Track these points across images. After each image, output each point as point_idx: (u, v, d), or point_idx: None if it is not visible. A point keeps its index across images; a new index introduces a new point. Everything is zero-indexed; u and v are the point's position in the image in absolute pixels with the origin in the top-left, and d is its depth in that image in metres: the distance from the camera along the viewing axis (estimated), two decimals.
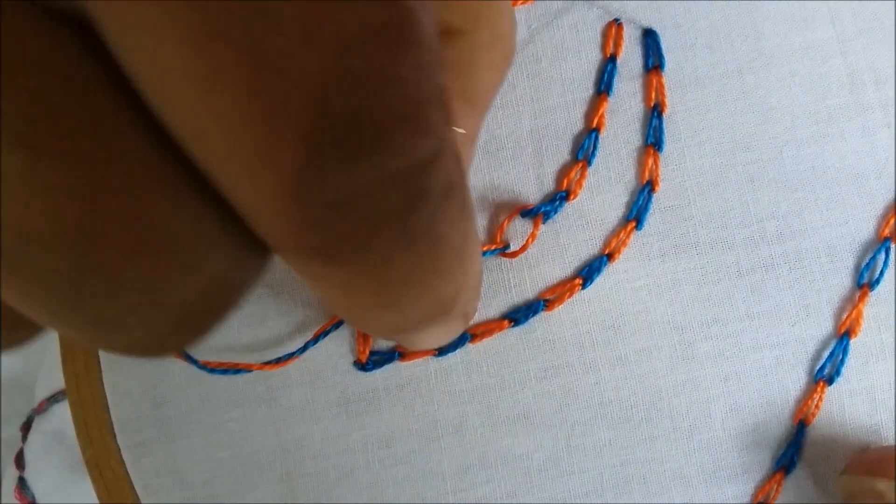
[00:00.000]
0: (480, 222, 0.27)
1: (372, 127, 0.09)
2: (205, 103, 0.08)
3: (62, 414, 0.39)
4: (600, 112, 0.27)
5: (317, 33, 0.08)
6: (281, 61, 0.08)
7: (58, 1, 0.08)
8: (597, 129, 0.27)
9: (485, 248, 0.27)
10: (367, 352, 0.27)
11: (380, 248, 0.10)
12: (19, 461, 0.40)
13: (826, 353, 0.26)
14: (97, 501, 0.28)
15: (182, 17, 0.08)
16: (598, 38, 0.28)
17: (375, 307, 0.11)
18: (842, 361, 0.26)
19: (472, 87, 0.15)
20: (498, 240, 0.27)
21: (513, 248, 0.27)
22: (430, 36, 0.09)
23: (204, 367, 0.26)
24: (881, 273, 0.26)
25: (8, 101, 0.08)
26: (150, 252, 0.09)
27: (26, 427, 0.40)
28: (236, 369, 0.26)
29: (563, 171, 0.27)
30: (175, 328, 0.10)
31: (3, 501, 0.40)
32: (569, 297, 0.27)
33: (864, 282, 0.26)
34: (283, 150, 0.08)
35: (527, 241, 0.27)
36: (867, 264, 0.26)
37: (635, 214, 0.27)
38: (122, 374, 0.27)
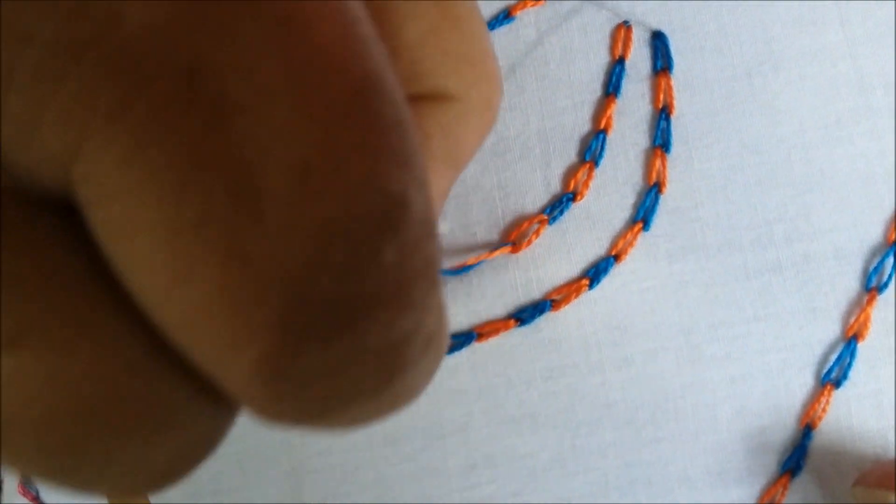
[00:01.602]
0: (489, 222, 0.27)
1: (348, 311, 0.08)
2: (175, 295, 0.08)
3: None
4: (608, 114, 0.27)
5: (295, 229, 0.08)
6: (254, 256, 0.08)
7: (45, 188, 0.08)
8: (604, 131, 0.27)
9: (490, 255, 0.27)
10: None
11: (352, 413, 0.10)
12: None
13: (833, 357, 0.26)
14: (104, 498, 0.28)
15: (155, 209, 0.08)
16: (607, 41, 0.28)
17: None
18: (849, 365, 0.26)
19: (457, 150, 0.15)
20: (512, 239, 0.27)
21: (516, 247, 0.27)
22: (422, 213, 0.09)
23: None
24: (889, 277, 0.26)
25: (9, 306, 0.08)
26: (139, 430, 0.09)
27: None
28: None
29: (571, 172, 0.27)
30: (155, 479, 0.10)
31: (7, 499, 0.40)
32: (575, 297, 0.27)
33: (873, 285, 0.26)
34: (252, 340, 0.08)
35: (531, 237, 0.27)
36: (875, 268, 0.26)
37: (642, 216, 0.27)
38: None
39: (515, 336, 0.27)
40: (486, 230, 0.27)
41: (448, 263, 0.27)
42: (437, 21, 0.13)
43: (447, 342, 0.11)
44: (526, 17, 0.28)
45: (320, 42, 0.08)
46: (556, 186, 0.27)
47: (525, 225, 0.27)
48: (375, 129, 0.09)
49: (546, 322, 0.27)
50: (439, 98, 0.14)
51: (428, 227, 0.09)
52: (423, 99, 0.14)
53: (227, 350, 0.08)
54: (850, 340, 0.26)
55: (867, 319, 0.26)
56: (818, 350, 0.26)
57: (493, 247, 0.27)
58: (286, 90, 0.08)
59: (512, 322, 0.27)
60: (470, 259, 0.26)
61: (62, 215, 0.08)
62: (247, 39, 0.08)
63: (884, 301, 0.26)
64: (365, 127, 0.08)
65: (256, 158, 0.08)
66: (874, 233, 0.27)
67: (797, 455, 0.26)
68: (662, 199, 0.27)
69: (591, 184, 0.27)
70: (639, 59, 0.28)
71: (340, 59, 0.08)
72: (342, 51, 0.08)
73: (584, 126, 0.28)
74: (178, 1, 0.08)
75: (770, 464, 0.26)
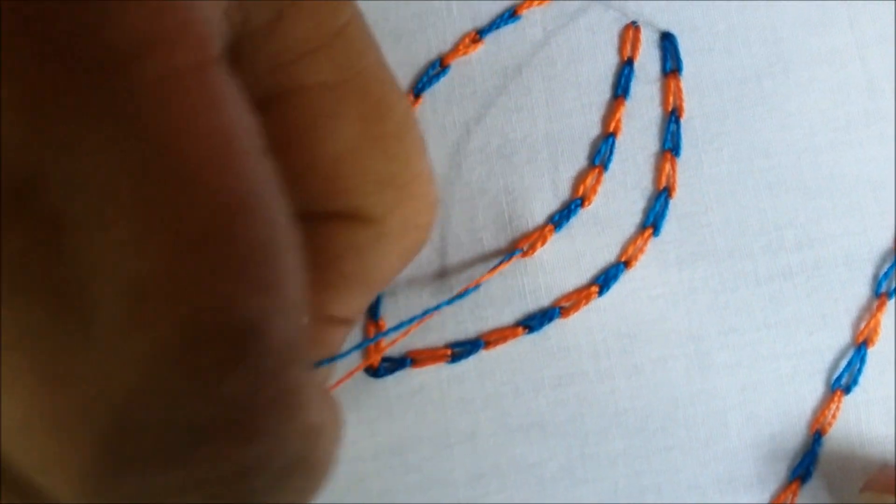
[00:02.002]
0: (495, 227, 0.27)
1: (177, 440, 0.08)
2: None
3: None
4: (617, 116, 0.27)
5: (123, 353, 0.07)
6: (77, 376, 0.08)
7: None
8: (613, 134, 0.27)
9: (499, 268, 0.26)
10: (379, 358, 0.26)
11: None
12: None
13: (843, 363, 0.26)
14: None
15: None
16: (615, 41, 0.27)
17: None
18: (859, 371, 0.26)
19: (371, 272, 0.15)
20: (520, 246, 0.26)
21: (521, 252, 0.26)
22: (283, 341, 0.08)
23: None
24: None
25: None
26: None
27: None
28: None
29: (579, 177, 0.27)
30: None
31: None
32: (585, 304, 0.26)
33: (882, 291, 0.26)
34: (72, 458, 0.08)
35: (535, 243, 0.26)
36: (885, 273, 0.26)
37: (652, 221, 0.26)
38: None
39: (524, 344, 0.26)
40: (493, 236, 0.27)
41: (455, 275, 0.26)
42: (356, 141, 0.13)
43: (327, 463, 0.11)
44: (532, 16, 0.27)
45: (186, 157, 0.08)
46: (564, 191, 0.27)
47: (534, 235, 0.26)
48: (235, 252, 0.08)
49: (555, 329, 0.26)
50: (355, 218, 0.14)
51: (291, 354, 0.09)
52: (337, 218, 0.14)
53: (48, 465, 0.08)
54: (860, 346, 0.26)
55: (877, 325, 0.26)
56: (828, 356, 0.26)
57: (502, 257, 0.26)
58: (132, 206, 0.08)
59: (520, 329, 0.26)
60: (479, 278, 0.25)
61: None
62: (92, 154, 0.07)
63: (893, 307, 0.26)
64: (222, 249, 0.08)
65: (87, 277, 0.07)
66: (884, 238, 0.26)
67: (807, 461, 0.26)
68: (672, 203, 0.27)
69: (600, 188, 0.27)
70: (647, 60, 0.27)
71: (207, 175, 0.08)
72: (211, 166, 0.08)
73: (593, 129, 0.27)
74: (20, 112, 0.07)
75: (780, 471, 0.26)
